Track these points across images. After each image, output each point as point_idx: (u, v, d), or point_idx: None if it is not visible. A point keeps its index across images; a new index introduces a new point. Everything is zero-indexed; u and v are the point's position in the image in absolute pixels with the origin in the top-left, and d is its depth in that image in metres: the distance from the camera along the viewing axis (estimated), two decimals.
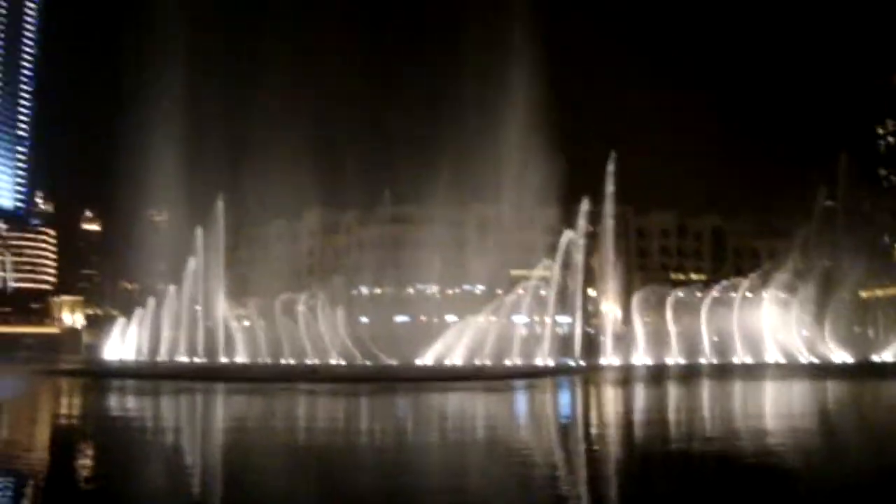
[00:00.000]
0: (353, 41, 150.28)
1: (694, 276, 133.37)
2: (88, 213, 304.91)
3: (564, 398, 58.14)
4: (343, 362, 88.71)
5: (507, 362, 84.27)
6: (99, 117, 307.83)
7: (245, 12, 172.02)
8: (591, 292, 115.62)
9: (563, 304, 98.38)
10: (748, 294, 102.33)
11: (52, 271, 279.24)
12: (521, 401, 54.25)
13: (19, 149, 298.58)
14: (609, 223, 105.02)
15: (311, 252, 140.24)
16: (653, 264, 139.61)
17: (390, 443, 31.50)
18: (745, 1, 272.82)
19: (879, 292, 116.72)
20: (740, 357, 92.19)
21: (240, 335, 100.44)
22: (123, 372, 79.06)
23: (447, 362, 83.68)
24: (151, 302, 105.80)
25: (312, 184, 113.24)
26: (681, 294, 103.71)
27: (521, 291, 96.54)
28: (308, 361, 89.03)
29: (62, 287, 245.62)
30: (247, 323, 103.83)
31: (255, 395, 54.38)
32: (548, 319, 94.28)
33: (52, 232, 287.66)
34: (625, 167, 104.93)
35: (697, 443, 31.10)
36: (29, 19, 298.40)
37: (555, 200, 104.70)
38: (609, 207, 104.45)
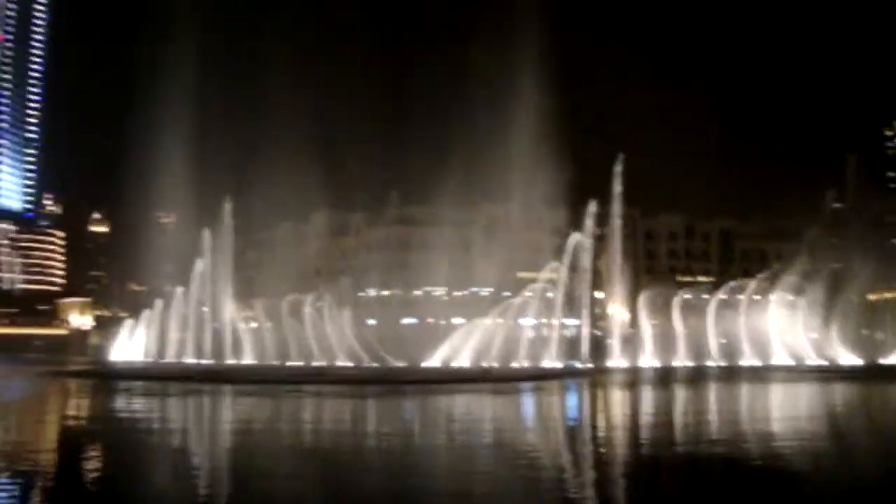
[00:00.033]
0: (361, 42, 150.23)
1: (702, 279, 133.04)
2: (97, 215, 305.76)
3: (572, 400, 58.10)
4: (350, 364, 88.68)
5: (515, 365, 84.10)
6: (107, 119, 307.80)
7: (254, 14, 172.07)
8: (599, 295, 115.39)
9: (571, 306, 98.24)
10: (756, 296, 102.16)
11: (60, 273, 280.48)
12: (528, 403, 54.20)
13: (28, 151, 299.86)
14: (616, 222, 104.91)
15: (318, 254, 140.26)
16: (660, 267, 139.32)
17: (397, 445, 31.50)
18: (754, 2, 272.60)
19: (888, 295, 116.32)
20: (748, 359, 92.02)
21: (247, 337, 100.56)
22: (131, 373, 79.10)
23: (454, 364, 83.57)
24: (159, 303, 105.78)
25: (320, 186, 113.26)
26: (687, 296, 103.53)
27: (528, 294, 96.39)
28: (315, 363, 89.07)
29: (70, 288, 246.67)
30: (254, 324, 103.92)
31: (263, 397, 54.45)
32: (555, 322, 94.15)
33: (60, 234, 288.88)
34: (632, 169, 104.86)
35: (705, 445, 31.05)
36: (38, 21, 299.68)
37: (562, 203, 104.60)
38: (616, 207, 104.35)
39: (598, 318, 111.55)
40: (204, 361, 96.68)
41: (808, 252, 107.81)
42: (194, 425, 40.40)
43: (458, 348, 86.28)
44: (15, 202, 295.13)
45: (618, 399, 57.74)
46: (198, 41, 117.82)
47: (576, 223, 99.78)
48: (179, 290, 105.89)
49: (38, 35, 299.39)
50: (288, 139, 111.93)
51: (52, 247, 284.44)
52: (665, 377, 75.57)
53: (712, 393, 61.07)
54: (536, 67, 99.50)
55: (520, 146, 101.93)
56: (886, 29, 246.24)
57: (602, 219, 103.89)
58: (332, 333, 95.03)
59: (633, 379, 74.09)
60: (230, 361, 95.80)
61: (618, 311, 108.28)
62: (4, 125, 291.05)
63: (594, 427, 39.16)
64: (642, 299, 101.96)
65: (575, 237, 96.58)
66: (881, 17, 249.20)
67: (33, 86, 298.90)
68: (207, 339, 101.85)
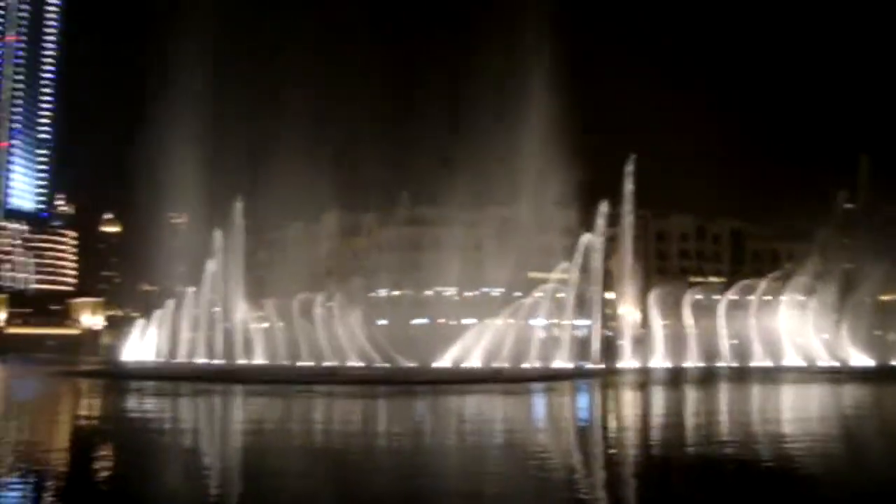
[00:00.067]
0: (372, 44, 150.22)
1: (713, 279, 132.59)
2: (108, 216, 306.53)
3: (583, 401, 58.08)
4: (361, 364, 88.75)
5: (525, 365, 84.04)
6: (119, 120, 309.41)
7: (268, 14, 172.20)
8: (610, 295, 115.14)
9: (582, 307, 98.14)
10: (767, 297, 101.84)
11: (72, 273, 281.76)
12: (539, 404, 54.19)
13: (40, 151, 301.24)
14: (628, 223, 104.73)
15: (329, 254, 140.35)
16: (671, 267, 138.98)
17: (408, 445, 31.54)
18: (768, 2, 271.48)
19: None
20: (759, 360, 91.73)
21: (258, 337, 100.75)
22: (142, 373, 79.40)
23: (465, 365, 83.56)
24: (170, 304, 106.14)
25: (331, 186, 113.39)
26: (698, 296, 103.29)
27: (539, 294, 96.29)
28: (326, 363, 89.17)
29: (82, 289, 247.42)
30: (265, 325, 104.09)
31: (274, 397, 54.59)
32: (566, 322, 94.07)
33: (72, 234, 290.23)
34: (644, 170, 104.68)
35: (716, 447, 30.98)
36: (51, 23, 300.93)
37: (573, 203, 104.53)
38: (628, 207, 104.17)
39: (608, 318, 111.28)
40: (215, 361, 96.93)
41: (820, 253, 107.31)
42: (205, 425, 40.53)
43: (469, 349, 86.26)
44: (27, 202, 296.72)
45: (629, 400, 57.66)
46: (210, 42, 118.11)
47: (587, 223, 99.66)
48: (191, 290, 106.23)
49: (51, 36, 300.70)
50: (299, 140, 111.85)
51: (64, 247, 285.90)
52: (676, 378, 75.41)
53: (723, 394, 60.95)
54: (547, 67, 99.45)
55: (531, 146, 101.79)
56: None
57: (613, 219, 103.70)
58: (342, 334, 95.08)
59: (643, 379, 73.94)
60: (241, 361, 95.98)
61: (629, 312, 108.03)
62: (17, 126, 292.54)
63: (605, 428, 39.12)
64: (653, 300, 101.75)
65: (586, 237, 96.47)
66: (894, 17, 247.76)
67: (45, 87, 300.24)
68: (219, 339, 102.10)
